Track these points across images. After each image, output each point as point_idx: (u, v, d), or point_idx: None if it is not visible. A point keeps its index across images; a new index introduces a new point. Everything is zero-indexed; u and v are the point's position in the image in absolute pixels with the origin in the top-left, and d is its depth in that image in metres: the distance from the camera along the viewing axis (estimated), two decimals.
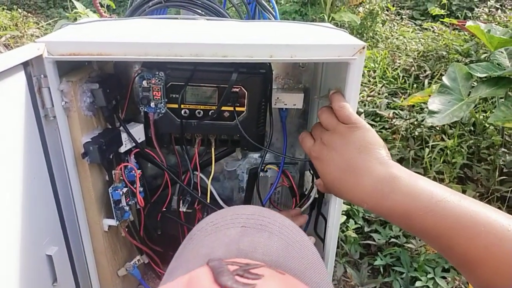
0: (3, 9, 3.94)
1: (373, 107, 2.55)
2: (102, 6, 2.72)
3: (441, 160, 2.00)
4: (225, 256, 0.33)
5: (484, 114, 2.28)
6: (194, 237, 0.40)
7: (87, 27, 0.67)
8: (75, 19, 2.45)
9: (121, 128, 0.71)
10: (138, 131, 0.74)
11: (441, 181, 1.93)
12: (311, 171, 0.76)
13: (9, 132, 0.53)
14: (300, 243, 0.39)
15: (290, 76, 0.82)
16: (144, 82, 0.70)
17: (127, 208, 0.71)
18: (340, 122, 0.57)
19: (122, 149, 0.71)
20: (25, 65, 0.54)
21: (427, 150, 2.05)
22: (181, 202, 0.80)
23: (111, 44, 0.55)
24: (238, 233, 0.37)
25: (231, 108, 0.73)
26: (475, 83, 2.00)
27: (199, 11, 0.86)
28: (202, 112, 0.74)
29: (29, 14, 4.08)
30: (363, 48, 0.59)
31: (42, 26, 3.87)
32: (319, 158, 0.58)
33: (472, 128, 2.22)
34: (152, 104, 0.72)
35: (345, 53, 0.58)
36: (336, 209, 0.68)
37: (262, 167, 0.84)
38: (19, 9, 3.98)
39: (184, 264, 0.36)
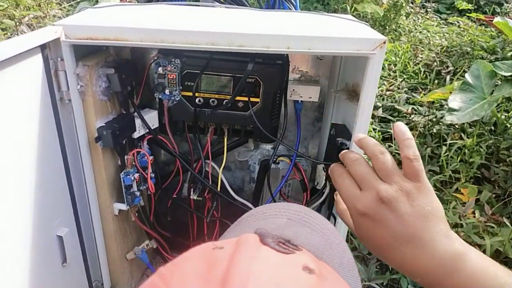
0: None
1: (391, 102, 2.50)
2: None
3: (458, 159, 1.96)
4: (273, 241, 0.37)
5: (506, 114, 2.22)
6: (243, 221, 0.43)
7: (105, 11, 0.67)
8: (96, 2, 2.45)
9: (135, 114, 0.71)
10: (152, 118, 0.74)
11: (457, 180, 1.89)
12: (324, 169, 0.76)
13: (25, 114, 0.53)
14: (339, 245, 0.40)
15: (307, 68, 0.81)
16: (160, 69, 0.70)
17: (138, 193, 0.71)
18: (404, 176, 0.44)
19: (136, 135, 0.71)
20: (43, 47, 0.54)
21: (444, 148, 2.00)
22: (192, 190, 0.81)
23: (127, 29, 0.55)
24: (284, 223, 0.40)
25: (246, 98, 0.73)
26: (499, 81, 1.94)
27: None
28: (216, 101, 0.73)
29: None
30: (384, 42, 0.57)
31: (65, 7, 3.90)
32: (371, 216, 0.44)
33: (492, 128, 2.16)
34: (167, 91, 0.72)
35: (365, 47, 0.56)
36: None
37: (274, 159, 0.83)
38: None
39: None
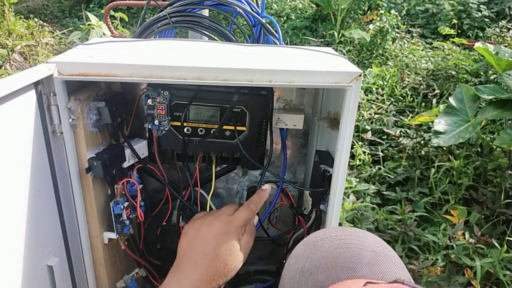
0: (20, 17, 4.05)
1: (380, 125, 2.55)
2: (115, 18, 2.79)
3: (447, 181, 1.99)
4: (367, 275, 0.41)
5: (491, 136, 2.27)
6: (318, 245, 0.45)
7: (96, 47, 0.70)
8: (89, 31, 2.51)
9: (125, 144, 0.74)
10: (141, 147, 0.76)
11: (446, 202, 1.92)
12: (310, 195, 0.78)
13: (18, 146, 0.55)
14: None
15: (292, 97, 0.84)
16: (149, 101, 0.73)
17: (127, 222, 0.73)
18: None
19: (125, 165, 0.73)
20: (36, 84, 0.57)
21: (433, 170, 2.04)
22: (181, 217, 0.82)
23: (117, 65, 0.58)
24: (373, 258, 0.43)
25: (232, 127, 0.75)
26: (482, 104, 2.00)
27: (206, 33, 0.89)
28: (204, 130, 0.76)
29: (44, 24, 4.19)
30: (360, 75, 0.60)
31: (57, 35, 3.97)
32: None
33: (479, 150, 2.21)
34: (156, 122, 0.74)
35: (342, 80, 0.60)
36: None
37: (261, 184, 0.85)
38: (35, 18, 4.09)
39: (326, 270, 0.42)
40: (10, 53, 3.12)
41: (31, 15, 4.48)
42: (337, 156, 0.64)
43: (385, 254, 0.44)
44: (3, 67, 3.04)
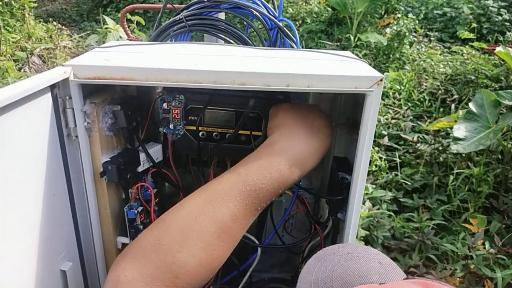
0: (40, 21, 4.14)
1: (397, 130, 2.51)
2: (132, 22, 2.82)
3: (466, 188, 1.94)
4: (378, 281, 0.45)
5: None
6: (326, 258, 0.50)
7: (112, 50, 0.70)
8: (106, 34, 2.54)
9: (140, 148, 0.73)
10: (156, 151, 0.75)
11: (465, 210, 1.87)
12: (327, 203, 0.76)
13: (33, 150, 0.55)
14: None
15: (309, 102, 0.82)
16: (165, 105, 0.72)
17: (141, 226, 0.72)
18: None
19: (140, 169, 0.72)
20: (52, 87, 0.57)
21: (451, 177, 1.99)
22: None
23: (133, 69, 0.57)
24: (379, 267, 0.47)
25: (248, 132, 0.74)
26: (504, 110, 1.95)
27: (222, 36, 0.88)
28: (219, 135, 0.75)
29: (63, 27, 4.26)
30: (381, 80, 0.58)
31: (75, 39, 4.04)
32: None
33: (500, 157, 2.15)
34: (171, 126, 0.73)
35: (362, 85, 0.58)
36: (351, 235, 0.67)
37: None
38: (54, 22, 4.17)
39: (339, 279, 0.45)
40: (29, 56, 3.18)
41: (50, 19, 4.57)
42: (357, 164, 0.62)
43: (391, 265, 0.49)
44: (22, 70, 3.10)
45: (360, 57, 0.74)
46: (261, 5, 0.89)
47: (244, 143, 0.75)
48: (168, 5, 0.98)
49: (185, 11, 0.90)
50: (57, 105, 0.58)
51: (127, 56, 0.67)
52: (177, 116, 0.73)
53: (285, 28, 0.86)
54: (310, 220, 0.83)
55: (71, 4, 6.15)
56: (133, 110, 0.69)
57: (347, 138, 0.78)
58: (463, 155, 2.16)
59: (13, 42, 3.31)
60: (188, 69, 0.58)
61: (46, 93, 0.56)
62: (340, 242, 0.71)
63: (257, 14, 0.86)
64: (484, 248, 1.58)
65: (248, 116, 0.72)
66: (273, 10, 0.90)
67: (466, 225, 1.72)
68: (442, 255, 1.65)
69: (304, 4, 4.77)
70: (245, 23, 0.95)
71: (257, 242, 0.77)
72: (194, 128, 0.74)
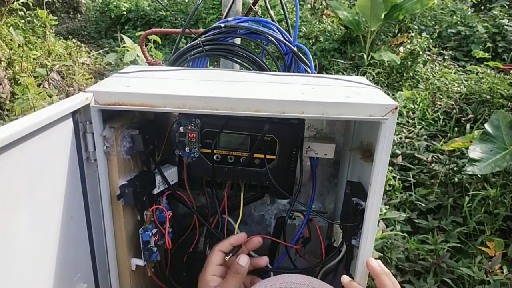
0: (59, 38, 4.26)
1: (411, 149, 2.49)
2: (149, 41, 2.89)
3: (482, 210, 1.91)
4: None
5: None
6: None
7: (132, 76, 0.72)
8: (123, 53, 2.60)
9: (156, 170, 0.74)
10: (171, 173, 0.77)
11: (482, 232, 1.83)
12: (341, 228, 0.76)
13: (53, 173, 0.56)
14: None
15: (323, 126, 0.83)
16: (181, 128, 0.73)
17: (155, 249, 0.72)
18: None
19: (155, 191, 0.74)
20: (74, 113, 0.59)
21: (467, 198, 1.96)
22: (208, 245, 0.81)
23: (152, 96, 0.59)
24: None
25: (262, 156, 0.75)
26: None
27: (238, 61, 0.89)
28: (233, 158, 0.76)
29: (82, 44, 4.39)
30: (396, 108, 0.59)
31: (93, 55, 4.14)
32: None
33: None
34: (187, 149, 0.75)
35: (377, 113, 0.58)
36: (364, 269, 0.66)
37: (290, 214, 0.84)
38: (73, 39, 4.29)
39: None
40: (48, 72, 3.27)
41: (69, 36, 4.71)
42: (371, 191, 0.62)
43: None
44: (41, 85, 3.19)
45: (373, 76, 0.74)
46: (276, 30, 0.91)
47: (258, 166, 0.76)
48: (186, 30, 1.00)
49: (202, 36, 0.92)
50: (77, 130, 0.60)
51: (146, 82, 0.69)
52: (193, 139, 0.74)
53: (299, 53, 0.88)
54: (322, 245, 0.83)
55: (90, 22, 6.33)
56: (150, 134, 0.70)
57: (361, 163, 0.78)
58: (479, 175, 2.12)
59: (33, 59, 3.41)
60: (205, 96, 0.59)
61: (68, 119, 0.58)
62: (354, 267, 0.71)
63: (273, 39, 0.88)
64: (502, 272, 1.54)
65: (262, 140, 0.73)
66: (288, 35, 0.92)
67: (483, 248, 1.68)
68: (458, 279, 1.61)
69: (317, 23, 4.82)
70: (259, 47, 0.96)
71: (269, 266, 0.77)
72: (209, 151, 0.75)
